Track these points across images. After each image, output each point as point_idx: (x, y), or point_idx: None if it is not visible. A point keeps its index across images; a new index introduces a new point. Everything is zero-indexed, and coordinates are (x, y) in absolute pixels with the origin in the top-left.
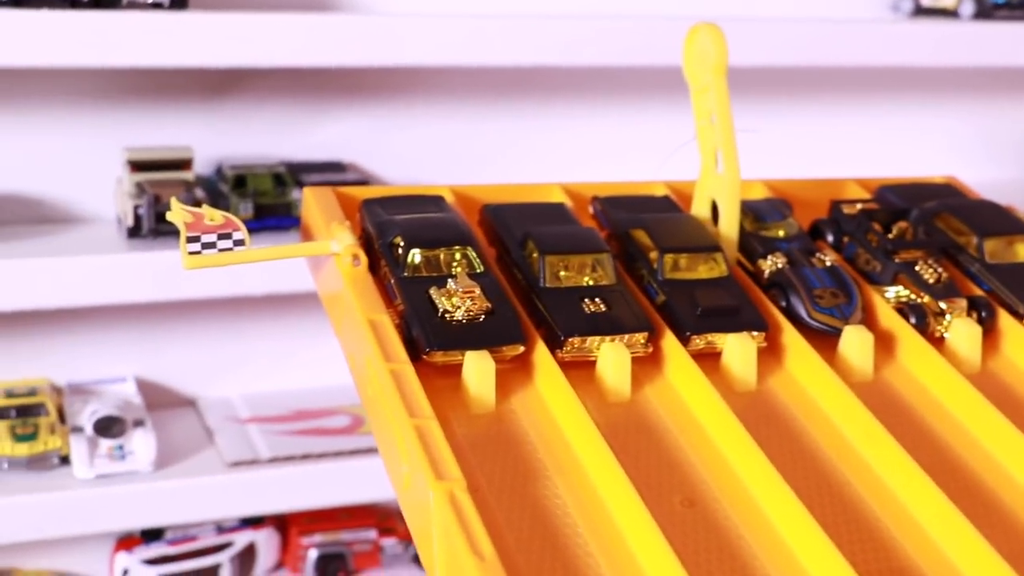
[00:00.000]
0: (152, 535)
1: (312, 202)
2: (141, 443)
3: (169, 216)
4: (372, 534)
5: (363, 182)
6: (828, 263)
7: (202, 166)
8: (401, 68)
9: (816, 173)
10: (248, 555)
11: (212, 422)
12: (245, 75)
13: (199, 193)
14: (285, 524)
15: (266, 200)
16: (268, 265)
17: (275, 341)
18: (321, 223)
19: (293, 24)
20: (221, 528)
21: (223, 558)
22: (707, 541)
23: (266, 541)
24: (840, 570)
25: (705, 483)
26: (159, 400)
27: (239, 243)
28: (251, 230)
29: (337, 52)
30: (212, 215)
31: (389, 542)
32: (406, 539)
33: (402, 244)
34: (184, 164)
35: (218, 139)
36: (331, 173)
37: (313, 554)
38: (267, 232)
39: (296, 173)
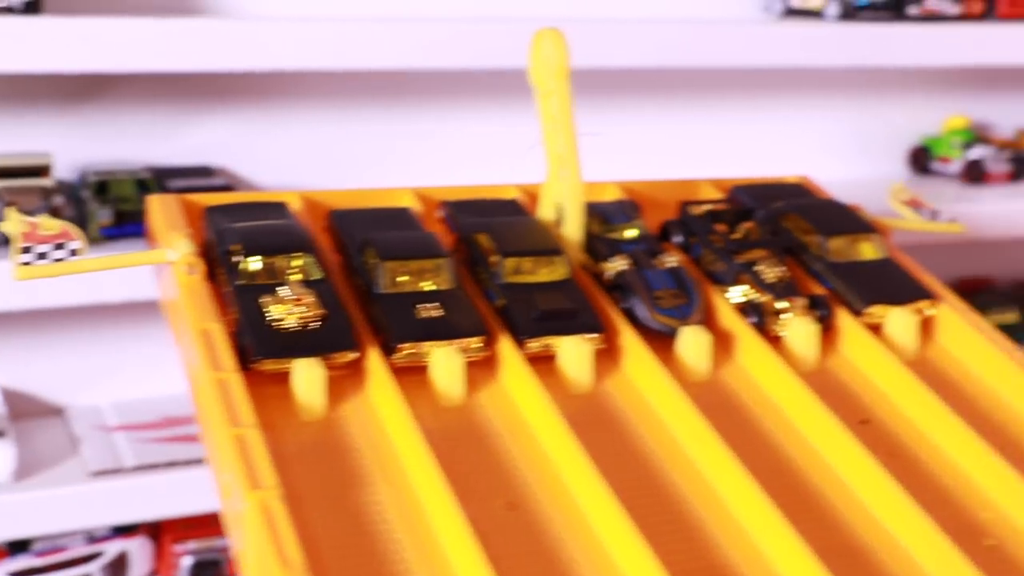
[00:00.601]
0: (18, 547)
1: (157, 210)
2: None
3: (2, 227)
4: None
5: (229, 187)
6: (671, 264)
7: (68, 172)
8: (267, 72)
9: (690, 173)
10: (120, 564)
11: (79, 431)
12: (112, 80)
13: (58, 200)
14: (158, 532)
15: (128, 207)
16: (131, 272)
17: (145, 348)
18: (163, 231)
19: (154, 29)
20: (92, 538)
21: (93, 568)
22: (526, 544)
23: (138, 550)
24: (653, 570)
25: (530, 487)
26: (26, 410)
27: (74, 252)
28: (110, 237)
29: (201, 57)
30: (49, 225)
31: None
32: None
33: (238, 251)
34: (42, 171)
35: (86, 145)
36: (198, 178)
37: (187, 561)
38: (128, 239)
39: (162, 178)
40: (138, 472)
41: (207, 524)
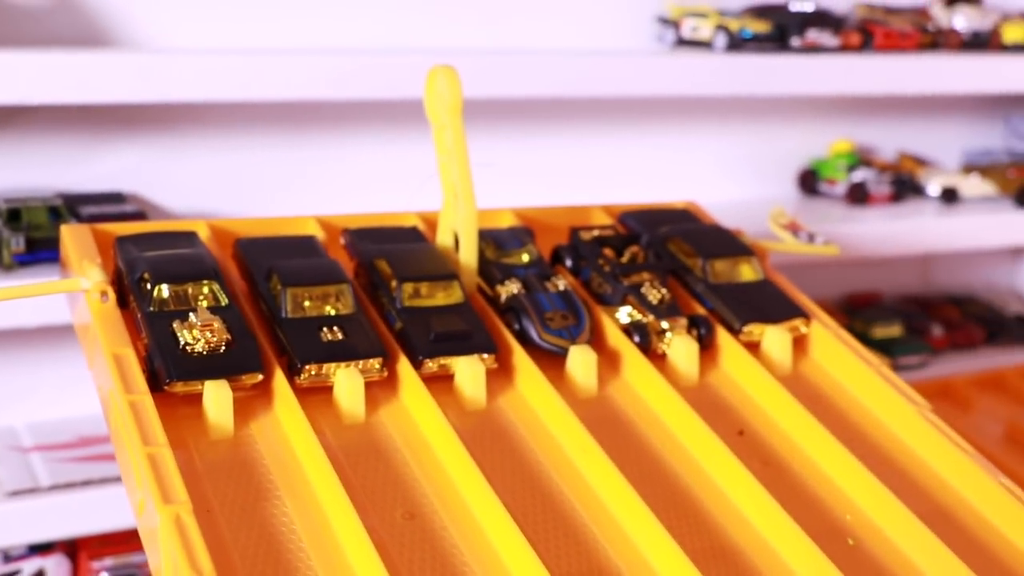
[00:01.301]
0: None
1: (69, 239)
2: None
3: None
4: None
5: (141, 213)
6: (560, 287)
7: None
8: (177, 103)
9: (592, 198)
10: None
11: None
12: (21, 109)
13: None
14: (75, 549)
15: (40, 234)
16: (45, 298)
17: (59, 370)
18: (76, 260)
19: (65, 61)
20: (8, 556)
21: None
22: (423, 551)
23: (56, 567)
24: (540, 573)
25: (427, 497)
26: None
27: None
28: (23, 263)
29: (111, 88)
30: None
31: None
32: None
33: (149, 279)
34: None
35: None
36: (110, 205)
37: None
38: (41, 265)
39: (74, 205)
40: (54, 491)
41: (123, 540)
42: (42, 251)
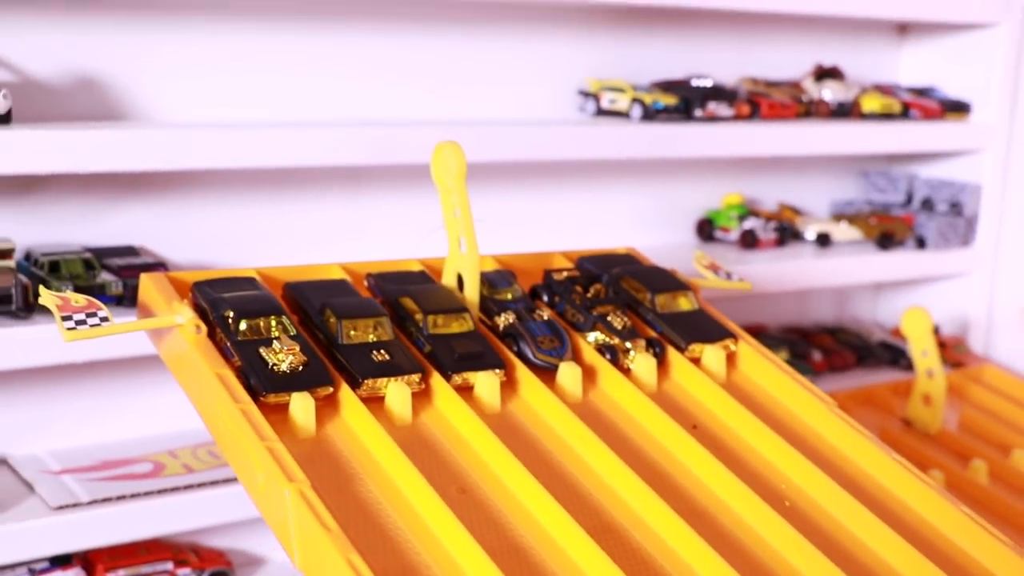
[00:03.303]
0: None
1: (150, 285)
2: None
3: (41, 300)
4: (168, 565)
5: (162, 264)
6: (545, 317)
7: None
8: (181, 170)
9: (535, 244)
10: None
11: (27, 475)
12: (44, 177)
13: (22, 278)
14: (90, 563)
15: (80, 282)
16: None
17: (74, 404)
18: (161, 301)
19: (82, 136)
20: (32, 570)
21: None
22: (478, 516)
23: None
24: (567, 525)
25: (472, 477)
26: None
27: (104, 319)
28: None
29: (124, 158)
30: (76, 298)
31: (183, 572)
32: (199, 568)
33: (232, 315)
34: (6, 254)
35: (21, 230)
36: (129, 257)
37: None
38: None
39: (99, 257)
40: (94, 506)
41: (133, 553)
42: None
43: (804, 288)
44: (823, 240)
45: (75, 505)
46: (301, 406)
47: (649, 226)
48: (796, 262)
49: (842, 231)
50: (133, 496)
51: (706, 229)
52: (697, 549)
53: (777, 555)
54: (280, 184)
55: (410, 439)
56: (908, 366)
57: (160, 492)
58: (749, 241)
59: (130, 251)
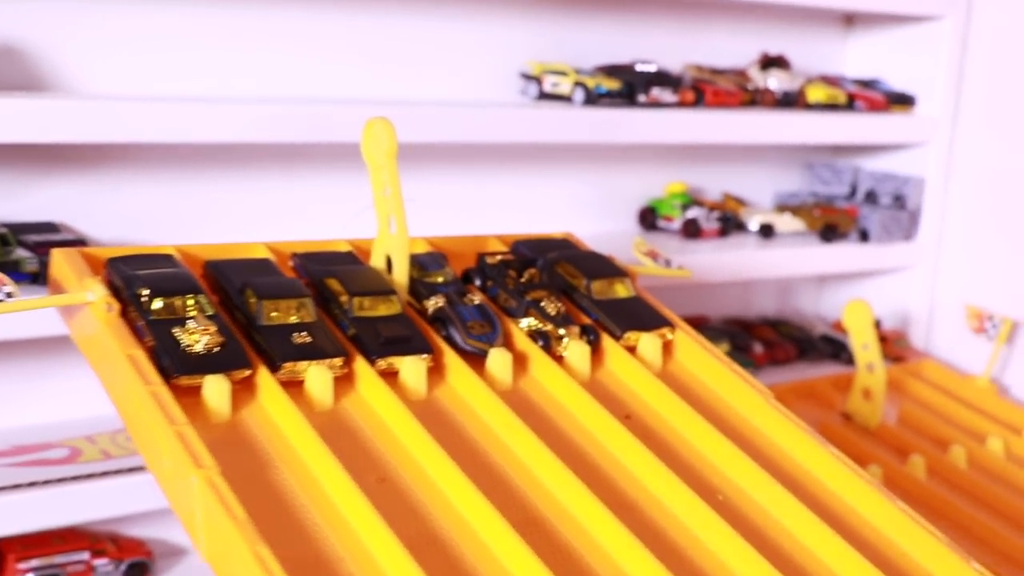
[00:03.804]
0: None
1: (62, 261)
2: None
3: None
4: (85, 555)
5: (80, 241)
6: (476, 302)
7: None
8: (105, 143)
9: (471, 228)
10: None
11: None
12: None
13: None
14: (1, 553)
15: None
16: None
17: None
18: (73, 278)
19: (5, 106)
20: None
21: None
22: (397, 507)
23: None
24: (489, 517)
25: (392, 465)
26: None
27: (9, 295)
28: None
29: (44, 129)
30: None
31: (101, 562)
32: (116, 559)
33: (146, 293)
34: None
35: None
36: (48, 233)
37: None
38: None
39: (15, 233)
40: (3, 492)
41: (47, 542)
42: None
43: (746, 279)
44: (766, 231)
45: None
46: (215, 389)
47: (591, 213)
48: (739, 253)
49: (786, 222)
50: (46, 483)
51: (648, 218)
52: (626, 545)
53: (709, 552)
54: (209, 161)
55: (330, 425)
56: (849, 360)
57: (76, 479)
58: (692, 231)
59: (50, 227)
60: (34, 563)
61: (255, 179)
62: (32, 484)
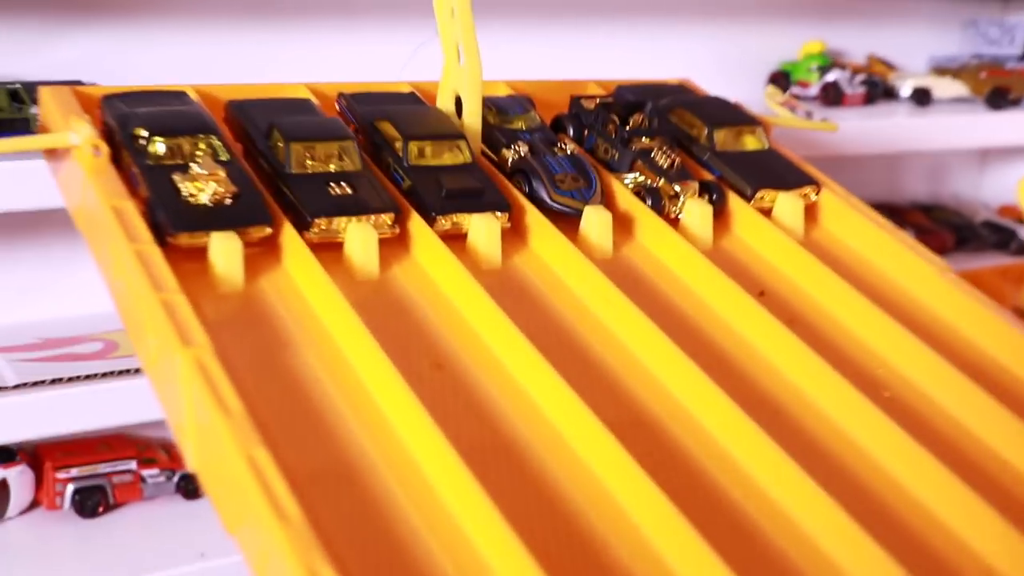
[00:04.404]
0: None
1: (50, 100)
2: None
3: None
4: (132, 465)
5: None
6: (569, 151)
7: None
8: None
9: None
10: (0, 494)
11: None
12: None
13: None
14: (39, 460)
15: (1, 115)
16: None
17: (19, 271)
18: (60, 120)
19: None
20: None
21: None
22: (455, 400)
23: (18, 478)
24: (581, 415)
25: (453, 348)
26: None
27: None
28: None
29: None
30: None
31: (151, 472)
32: (168, 468)
33: (144, 134)
34: None
35: None
36: None
37: (70, 489)
38: None
39: (34, 91)
40: (20, 391)
41: (90, 450)
42: (4, 132)
43: (897, 153)
44: (922, 97)
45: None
46: (224, 249)
47: (711, 77)
48: (889, 121)
49: (945, 87)
50: (71, 380)
51: (780, 83)
52: (761, 452)
53: (874, 464)
54: (253, 7)
55: (373, 298)
56: (1019, 250)
57: (109, 375)
58: (832, 96)
59: (75, 85)
60: (74, 472)
61: (305, 27)
62: (56, 381)
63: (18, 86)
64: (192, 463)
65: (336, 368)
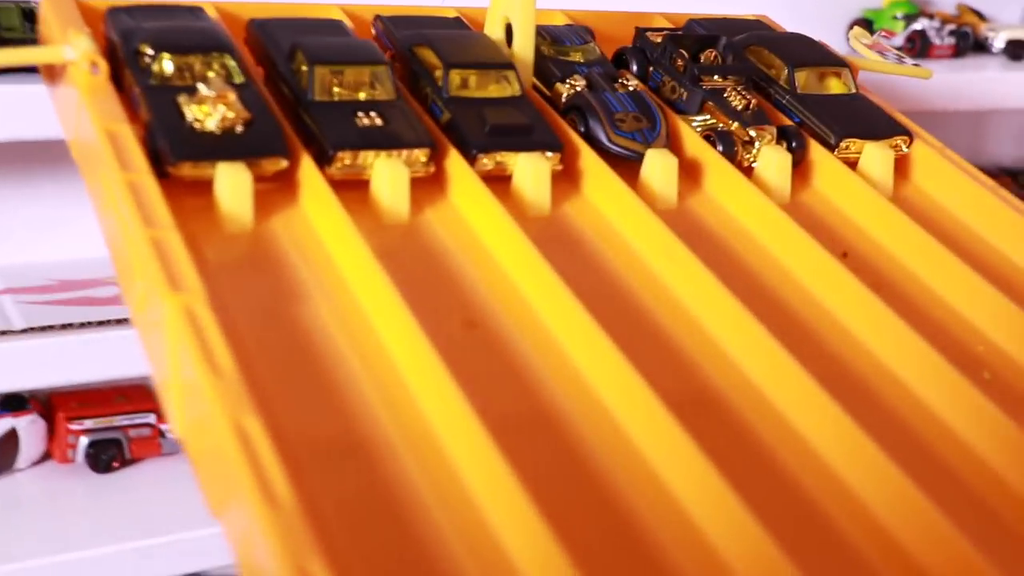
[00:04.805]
0: None
1: (49, 12)
2: None
3: None
4: (151, 418)
5: None
6: (631, 88)
7: None
8: None
9: None
10: (9, 444)
11: None
12: None
13: None
14: (51, 409)
15: (12, 35)
16: (11, 111)
17: (35, 206)
18: (58, 32)
19: None
20: None
21: None
22: (488, 363)
23: (28, 428)
24: (634, 388)
25: (489, 305)
26: None
27: None
28: None
29: None
30: None
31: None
32: None
33: (149, 51)
34: None
35: None
36: None
37: (84, 442)
38: (14, 73)
39: None
40: (29, 335)
41: (106, 401)
42: None
43: (986, 110)
44: (1016, 50)
45: (2, 334)
46: (232, 182)
47: (788, 24)
48: (980, 75)
49: None
50: (84, 325)
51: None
52: (841, 437)
53: (970, 449)
54: None
55: (400, 245)
56: None
57: (125, 322)
58: (919, 47)
59: None
60: (88, 424)
61: None
62: (67, 326)
63: (33, 5)
64: (176, 429)
65: (352, 324)
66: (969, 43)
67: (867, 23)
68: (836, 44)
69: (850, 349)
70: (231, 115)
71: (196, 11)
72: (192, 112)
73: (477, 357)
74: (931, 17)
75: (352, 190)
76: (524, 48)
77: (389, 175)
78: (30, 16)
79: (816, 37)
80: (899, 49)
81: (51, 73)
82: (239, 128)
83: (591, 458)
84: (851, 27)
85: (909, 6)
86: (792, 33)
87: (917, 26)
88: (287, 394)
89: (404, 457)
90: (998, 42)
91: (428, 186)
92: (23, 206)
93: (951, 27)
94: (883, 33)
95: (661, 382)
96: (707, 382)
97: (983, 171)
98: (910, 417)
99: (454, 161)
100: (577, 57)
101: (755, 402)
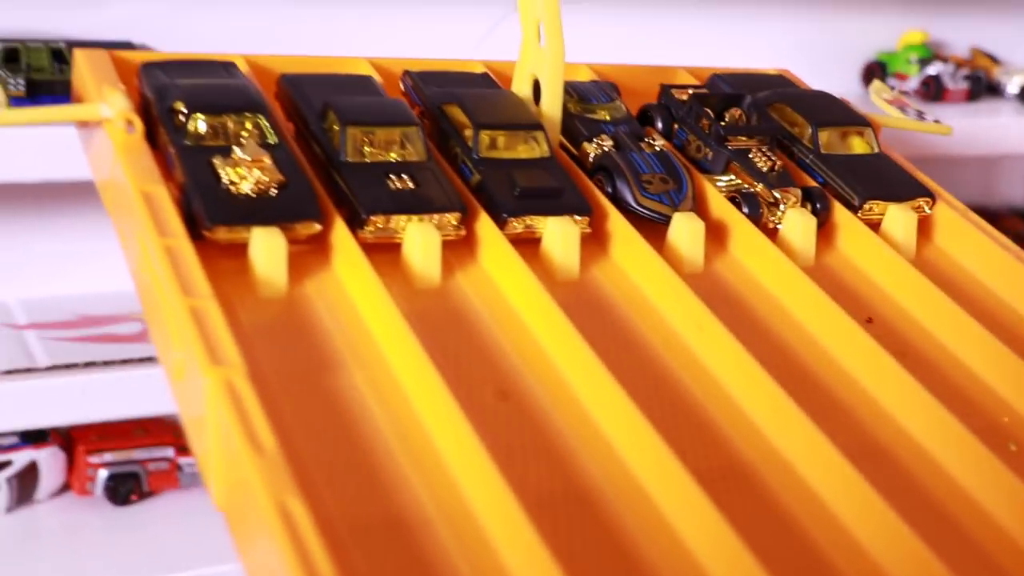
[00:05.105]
0: None
1: (84, 65)
2: None
3: None
4: (169, 452)
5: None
6: (658, 148)
7: None
8: None
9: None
10: (29, 476)
11: None
12: None
13: None
14: (71, 442)
15: (42, 76)
16: (42, 149)
17: (59, 241)
18: (93, 88)
19: None
20: None
21: (0, 478)
22: (521, 435)
23: (49, 460)
24: (666, 463)
25: (521, 374)
26: None
27: None
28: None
29: None
30: None
31: (189, 461)
32: None
33: (184, 109)
34: None
35: None
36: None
37: (103, 474)
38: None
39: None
40: (52, 373)
41: (125, 434)
42: (44, 96)
43: (999, 155)
44: None
45: (27, 371)
46: (266, 248)
47: (801, 67)
48: (993, 121)
49: None
50: (107, 364)
51: (876, 75)
52: (867, 509)
53: (997, 525)
54: None
55: (432, 310)
56: None
57: (148, 361)
58: (933, 91)
59: (124, 47)
60: (107, 457)
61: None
62: (90, 365)
63: (62, 45)
64: (217, 502)
65: (387, 394)
66: (982, 87)
67: (881, 66)
68: (851, 86)
69: (876, 419)
70: (266, 179)
71: (229, 66)
72: (227, 175)
73: (510, 430)
74: (945, 61)
75: (384, 252)
76: (552, 108)
77: (421, 240)
78: (59, 56)
79: (832, 77)
80: (913, 93)
81: (85, 121)
82: (273, 191)
83: (624, 533)
84: (865, 69)
85: (923, 50)
86: (815, 91)
87: (931, 70)
88: (326, 470)
89: (442, 534)
90: (1012, 87)
91: (459, 248)
92: (45, 239)
93: (965, 71)
94: (897, 76)
95: (691, 454)
96: (736, 455)
97: (993, 211)
98: (936, 491)
99: (484, 224)
100: (604, 115)
101: (783, 474)
